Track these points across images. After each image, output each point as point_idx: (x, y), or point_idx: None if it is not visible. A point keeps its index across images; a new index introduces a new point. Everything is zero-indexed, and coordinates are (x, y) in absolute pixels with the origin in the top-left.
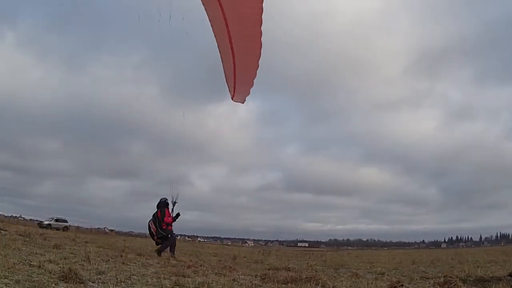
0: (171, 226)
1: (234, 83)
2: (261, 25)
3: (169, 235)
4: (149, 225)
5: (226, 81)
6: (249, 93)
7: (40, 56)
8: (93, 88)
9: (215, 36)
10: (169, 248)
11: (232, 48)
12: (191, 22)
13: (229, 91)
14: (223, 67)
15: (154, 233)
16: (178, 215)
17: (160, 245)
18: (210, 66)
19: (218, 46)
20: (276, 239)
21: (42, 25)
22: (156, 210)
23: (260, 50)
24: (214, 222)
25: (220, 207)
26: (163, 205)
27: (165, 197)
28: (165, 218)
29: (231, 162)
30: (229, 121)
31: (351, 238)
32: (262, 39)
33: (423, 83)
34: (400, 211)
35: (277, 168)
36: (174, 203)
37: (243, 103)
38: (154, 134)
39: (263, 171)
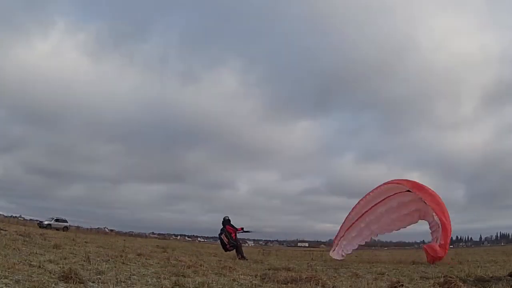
0: (236, 236)
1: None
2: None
3: (237, 243)
4: (221, 238)
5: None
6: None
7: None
8: (180, 98)
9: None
10: (237, 251)
11: None
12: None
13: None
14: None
15: (227, 243)
16: (248, 231)
17: (238, 253)
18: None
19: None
20: (276, 239)
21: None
22: (224, 225)
23: None
24: (236, 223)
25: (250, 209)
26: (227, 222)
27: (227, 215)
28: (237, 229)
29: (283, 168)
30: (304, 134)
31: None
32: None
33: None
34: None
35: (326, 174)
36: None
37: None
38: (218, 143)
39: (312, 176)
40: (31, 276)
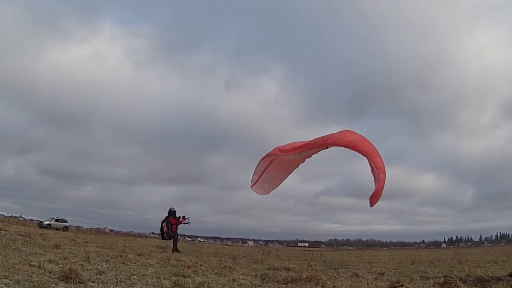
0: (176, 228)
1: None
2: None
3: (175, 235)
4: (162, 226)
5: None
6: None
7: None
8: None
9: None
10: (173, 242)
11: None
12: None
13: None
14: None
15: (165, 233)
16: (187, 223)
17: (173, 245)
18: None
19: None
20: (276, 239)
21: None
22: (168, 215)
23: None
24: (241, 224)
25: (260, 210)
26: (172, 214)
27: (173, 207)
28: (179, 221)
29: (304, 171)
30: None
31: (352, 238)
32: None
33: None
34: (426, 212)
35: (343, 177)
36: (186, 219)
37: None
38: (245, 147)
39: (329, 179)
40: (31, 276)
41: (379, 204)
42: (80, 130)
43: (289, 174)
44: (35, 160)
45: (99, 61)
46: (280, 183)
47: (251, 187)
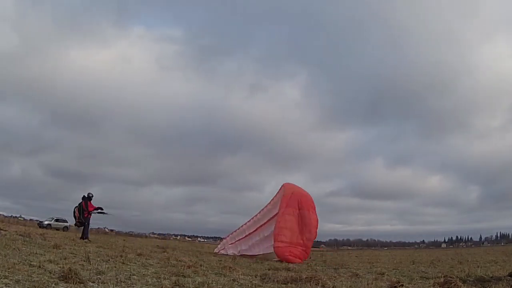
0: (90, 215)
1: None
2: None
3: (86, 222)
4: (74, 210)
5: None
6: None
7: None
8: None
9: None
10: (83, 231)
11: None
12: None
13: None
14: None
15: (77, 218)
16: (101, 210)
17: (83, 232)
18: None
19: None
20: None
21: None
22: (81, 201)
23: None
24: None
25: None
26: (88, 199)
27: (91, 192)
28: (89, 209)
29: (315, 172)
30: (346, 141)
31: (352, 238)
32: None
33: None
34: (430, 213)
35: (353, 178)
36: (101, 209)
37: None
38: (259, 149)
39: (339, 180)
40: (31, 276)
41: (385, 204)
42: (96, 132)
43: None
44: (45, 160)
45: (124, 64)
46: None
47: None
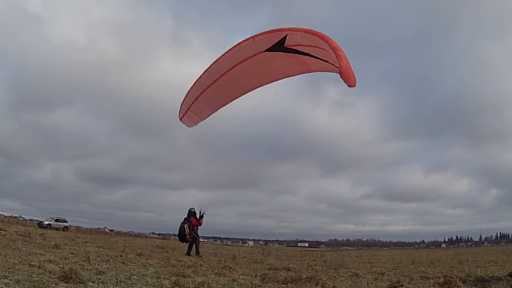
0: (197, 229)
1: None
2: None
3: (197, 237)
4: (184, 227)
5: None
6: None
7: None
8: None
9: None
10: (195, 244)
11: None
12: None
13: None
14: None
15: (187, 234)
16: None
17: (196, 248)
18: None
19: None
20: (276, 239)
21: None
22: (188, 216)
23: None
24: (261, 225)
25: (286, 212)
26: (192, 214)
27: (193, 207)
28: (200, 221)
29: (356, 178)
30: (397, 150)
31: (352, 239)
32: None
33: None
34: (447, 213)
35: (387, 182)
36: (202, 215)
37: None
38: (315, 157)
39: (374, 184)
40: (31, 276)
41: (407, 205)
42: (157, 139)
43: (220, 107)
44: (87, 165)
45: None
46: (210, 115)
47: (180, 119)
